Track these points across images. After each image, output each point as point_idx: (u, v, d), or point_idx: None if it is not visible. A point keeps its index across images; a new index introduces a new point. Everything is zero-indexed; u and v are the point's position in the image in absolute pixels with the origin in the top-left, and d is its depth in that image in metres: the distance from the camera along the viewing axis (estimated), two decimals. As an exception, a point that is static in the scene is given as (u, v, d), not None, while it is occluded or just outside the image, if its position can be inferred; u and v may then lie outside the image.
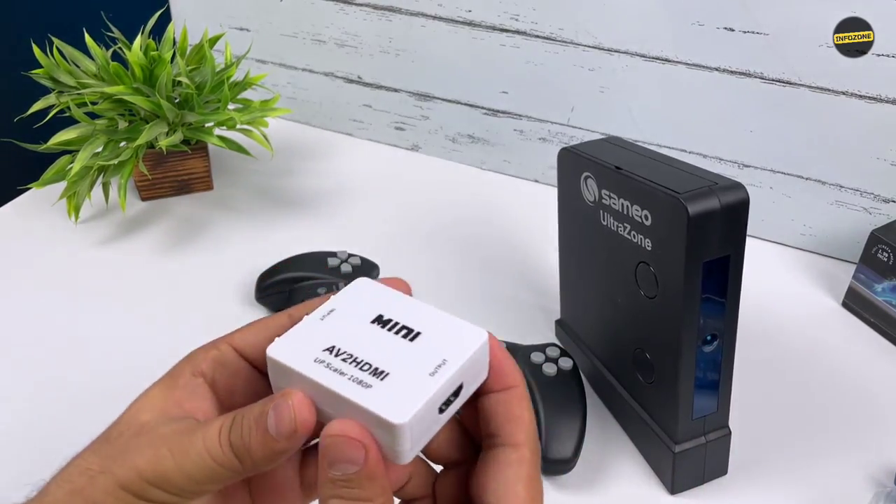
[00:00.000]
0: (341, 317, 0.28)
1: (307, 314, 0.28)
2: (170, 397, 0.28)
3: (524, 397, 0.28)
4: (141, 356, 0.61)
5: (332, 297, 0.29)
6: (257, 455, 0.26)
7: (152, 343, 0.62)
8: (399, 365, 0.26)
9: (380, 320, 0.28)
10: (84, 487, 0.26)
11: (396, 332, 0.27)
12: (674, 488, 0.51)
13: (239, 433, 0.26)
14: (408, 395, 0.25)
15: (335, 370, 0.26)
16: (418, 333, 0.27)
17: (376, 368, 0.26)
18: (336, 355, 0.26)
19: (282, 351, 0.27)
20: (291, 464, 0.31)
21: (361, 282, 0.30)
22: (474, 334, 0.27)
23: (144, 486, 0.26)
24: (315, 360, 0.26)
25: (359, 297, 0.29)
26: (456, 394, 0.26)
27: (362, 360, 0.26)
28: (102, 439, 0.28)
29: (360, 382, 0.25)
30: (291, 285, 0.63)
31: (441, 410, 0.26)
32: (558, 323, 0.63)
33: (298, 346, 0.27)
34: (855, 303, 0.67)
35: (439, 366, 0.26)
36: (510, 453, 0.27)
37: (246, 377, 0.30)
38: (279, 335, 0.28)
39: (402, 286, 0.30)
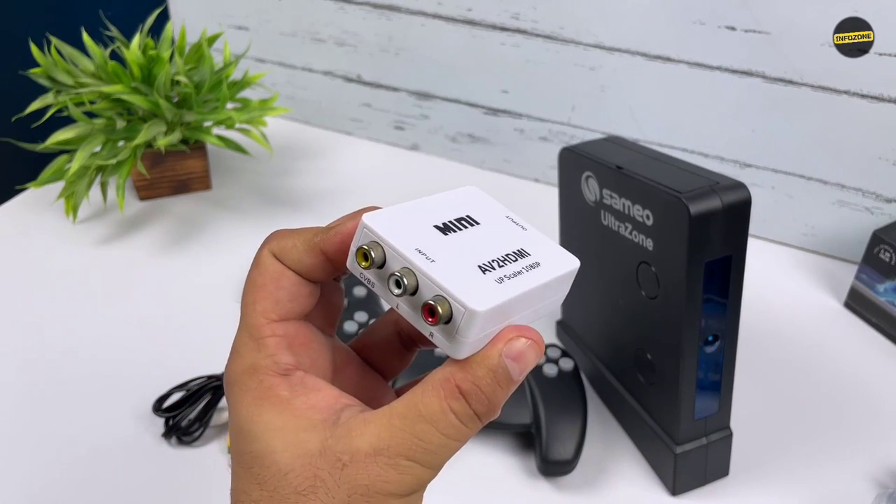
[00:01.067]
0: (431, 250, 0.26)
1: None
2: (297, 413, 0.26)
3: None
4: (140, 356, 0.61)
5: (388, 242, 0.26)
6: (501, 404, 0.25)
7: (151, 343, 0.62)
8: (510, 239, 0.27)
9: (443, 229, 0.27)
10: None
11: (465, 227, 0.28)
12: (675, 489, 0.51)
13: (485, 402, 0.25)
14: (552, 247, 0.27)
15: (514, 274, 0.26)
16: (469, 216, 0.29)
17: (515, 251, 0.27)
18: (493, 269, 0.26)
19: (479, 299, 0.24)
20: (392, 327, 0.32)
21: (372, 218, 0.27)
22: (470, 190, 0.30)
23: (406, 500, 0.25)
24: (498, 282, 0.25)
25: (400, 229, 0.27)
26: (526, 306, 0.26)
27: (504, 255, 0.26)
28: (295, 496, 0.25)
29: (532, 267, 0.26)
30: (290, 285, 0.63)
31: (506, 315, 0.25)
32: (559, 324, 0.63)
33: (475, 287, 0.25)
34: (857, 303, 0.67)
35: (513, 220, 0.28)
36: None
37: (318, 339, 0.29)
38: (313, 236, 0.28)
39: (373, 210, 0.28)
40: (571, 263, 0.27)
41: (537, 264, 0.26)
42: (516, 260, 0.26)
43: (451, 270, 0.25)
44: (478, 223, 0.28)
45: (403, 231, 0.26)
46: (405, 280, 0.24)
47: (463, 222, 0.28)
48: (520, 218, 0.30)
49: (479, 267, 0.26)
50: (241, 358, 0.28)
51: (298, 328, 0.28)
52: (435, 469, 0.25)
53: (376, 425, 0.25)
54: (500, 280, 0.25)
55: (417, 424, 0.24)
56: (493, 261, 0.26)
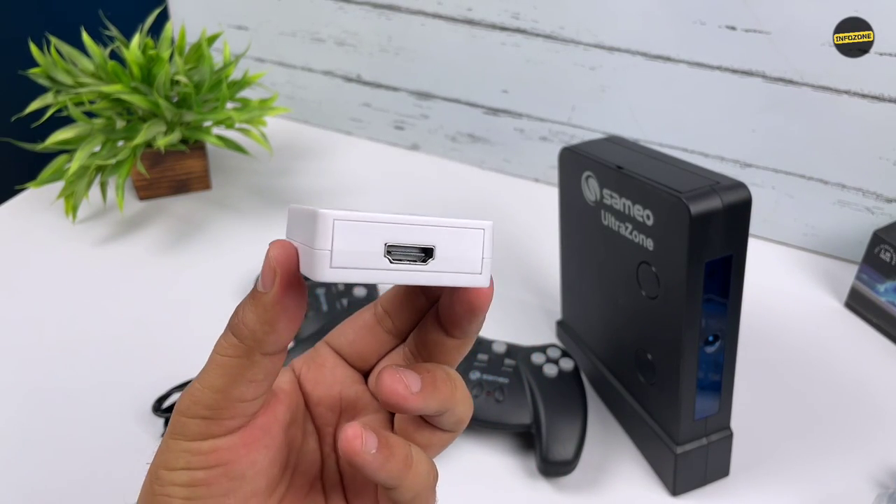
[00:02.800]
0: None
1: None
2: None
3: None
4: (140, 356, 0.61)
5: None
6: (251, 321, 0.25)
7: (151, 343, 0.62)
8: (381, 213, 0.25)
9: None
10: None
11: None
12: (675, 490, 0.51)
13: (236, 315, 0.26)
14: (355, 213, 0.23)
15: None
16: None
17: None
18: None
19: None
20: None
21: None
22: (475, 220, 0.25)
23: (181, 421, 0.26)
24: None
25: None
26: (425, 257, 0.24)
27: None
28: None
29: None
30: (290, 285, 0.63)
31: (390, 255, 0.24)
32: (559, 324, 0.63)
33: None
34: (857, 303, 0.67)
35: (412, 215, 0.24)
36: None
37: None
38: (366, 326, 0.29)
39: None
40: (474, 223, 0.24)
41: (422, 216, 0.24)
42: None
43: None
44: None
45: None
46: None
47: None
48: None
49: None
50: None
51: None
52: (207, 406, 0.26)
53: None
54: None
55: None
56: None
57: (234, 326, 0.26)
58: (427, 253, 0.24)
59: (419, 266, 0.24)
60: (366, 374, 0.30)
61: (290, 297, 0.25)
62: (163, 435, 0.53)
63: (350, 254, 0.23)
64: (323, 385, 0.30)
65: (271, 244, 0.25)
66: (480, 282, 0.25)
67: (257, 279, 0.25)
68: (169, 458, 0.26)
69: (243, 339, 0.25)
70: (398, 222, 0.24)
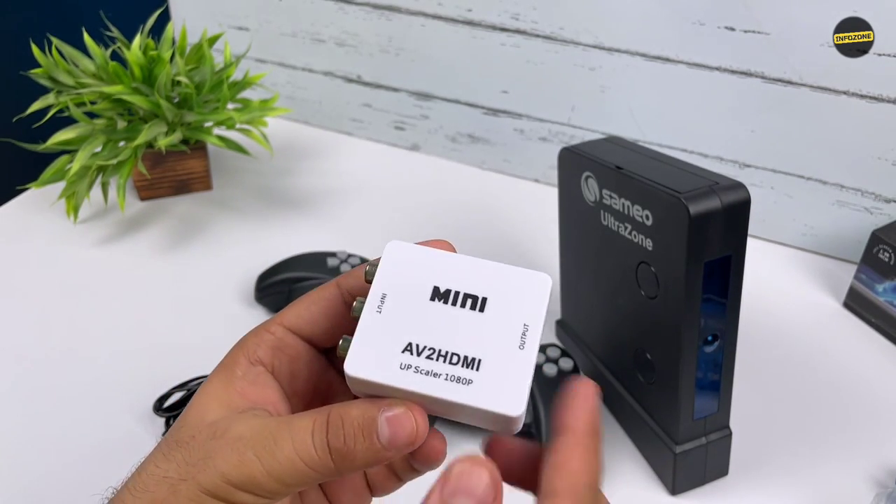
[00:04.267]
0: (398, 302, 0.26)
1: (360, 302, 0.27)
2: (232, 390, 0.28)
3: (578, 444, 0.25)
4: (140, 356, 0.61)
5: (376, 275, 0.27)
6: (360, 462, 0.25)
7: (151, 343, 0.62)
8: (485, 346, 0.25)
9: (438, 294, 0.26)
10: (166, 498, 0.25)
11: (463, 306, 0.25)
12: (674, 489, 0.51)
13: (341, 439, 0.25)
14: (512, 380, 0.24)
15: (426, 372, 0.24)
16: (485, 300, 0.25)
17: (465, 357, 0.24)
18: (418, 354, 0.25)
19: (361, 365, 0.25)
20: None
21: (395, 247, 0.27)
22: (537, 282, 0.26)
23: (231, 491, 0.25)
24: (401, 367, 0.25)
25: (402, 270, 0.27)
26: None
27: (447, 352, 0.25)
28: (172, 443, 0.27)
29: (458, 380, 0.24)
30: (291, 285, 0.63)
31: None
32: (559, 323, 0.63)
33: (375, 354, 0.25)
34: (856, 303, 0.67)
35: (524, 334, 0.25)
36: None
37: (306, 359, 0.29)
38: (330, 308, 0.28)
39: (443, 246, 0.28)
40: (506, 406, 0.23)
41: (468, 382, 0.24)
42: (453, 363, 0.24)
43: (378, 328, 0.25)
44: (479, 308, 0.26)
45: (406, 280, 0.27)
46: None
47: (467, 299, 0.26)
48: (536, 332, 0.26)
49: (408, 343, 0.25)
50: (247, 334, 0.30)
51: (298, 346, 0.29)
52: (273, 478, 0.25)
53: (259, 420, 0.26)
54: (407, 367, 0.25)
55: (281, 429, 0.25)
56: (427, 347, 0.25)
57: (334, 447, 0.25)
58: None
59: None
60: (326, 351, 0.31)
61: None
62: (163, 434, 0.53)
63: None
64: (300, 379, 0.30)
65: (409, 415, 0.25)
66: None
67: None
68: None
69: (332, 454, 0.25)
70: (535, 358, 0.25)
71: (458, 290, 0.26)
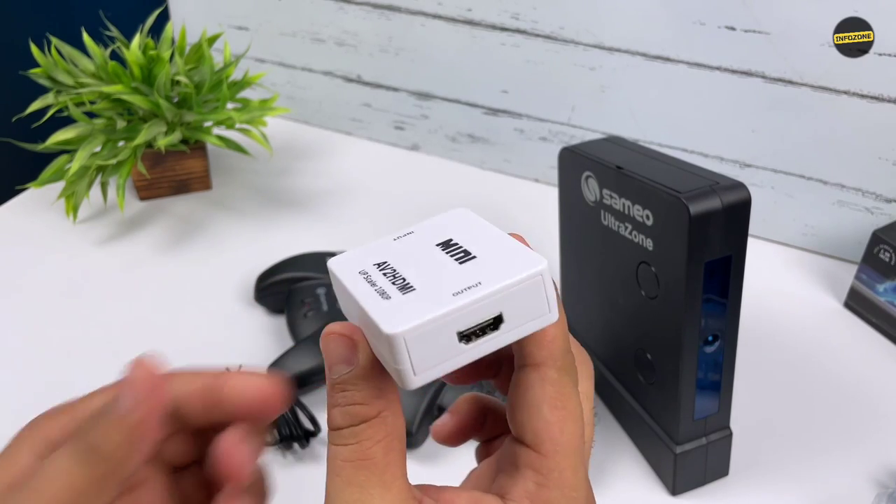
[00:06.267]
0: (414, 239, 0.27)
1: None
2: None
3: (556, 321, 0.25)
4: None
5: (426, 220, 0.27)
6: (110, 451, 0.24)
7: (151, 343, 0.62)
8: (431, 283, 0.24)
9: (447, 244, 0.26)
10: None
11: (453, 255, 0.25)
12: (675, 489, 0.51)
13: (88, 444, 0.24)
14: (417, 310, 0.23)
15: (370, 282, 0.24)
16: (474, 257, 0.25)
17: (406, 283, 0.24)
18: (381, 269, 0.25)
19: (340, 263, 0.26)
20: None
21: (459, 211, 0.28)
22: (529, 261, 0.24)
23: None
24: (360, 272, 0.25)
25: (444, 223, 0.27)
26: (494, 326, 0.24)
27: (399, 275, 0.24)
28: None
29: (383, 294, 0.24)
30: (290, 285, 0.63)
31: (465, 339, 0.23)
32: (559, 323, 0.63)
33: (357, 260, 0.26)
34: (857, 303, 0.67)
35: (469, 287, 0.23)
36: (530, 374, 0.25)
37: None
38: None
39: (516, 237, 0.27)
40: (387, 324, 0.22)
41: (388, 297, 0.24)
42: (394, 283, 0.24)
43: (380, 249, 0.26)
44: (462, 261, 0.25)
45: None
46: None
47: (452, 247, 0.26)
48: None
49: (383, 261, 0.26)
50: None
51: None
52: None
53: None
54: (363, 273, 0.25)
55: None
56: (390, 267, 0.25)
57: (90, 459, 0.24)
58: (497, 320, 0.24)
59: (493, 334, 0.24)
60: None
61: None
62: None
63: (428, 357, 0.23)
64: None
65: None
66: (552, 318, 0.25)
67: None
68: None
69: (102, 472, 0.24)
70: (462, 308, 0.23)
71: (462, 244, 0.26)
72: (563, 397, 0.25)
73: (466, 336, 0.23)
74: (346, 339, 0.24)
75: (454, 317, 0.23)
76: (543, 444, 0.24)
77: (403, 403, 0.53)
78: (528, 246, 0.25)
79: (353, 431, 0.24)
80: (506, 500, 0.25)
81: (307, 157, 0.87)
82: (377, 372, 0.24)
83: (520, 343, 0.25)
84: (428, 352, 0.23)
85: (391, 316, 0.23)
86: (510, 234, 0.26)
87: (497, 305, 0.23)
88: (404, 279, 0.24)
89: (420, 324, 0.22)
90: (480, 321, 0.23)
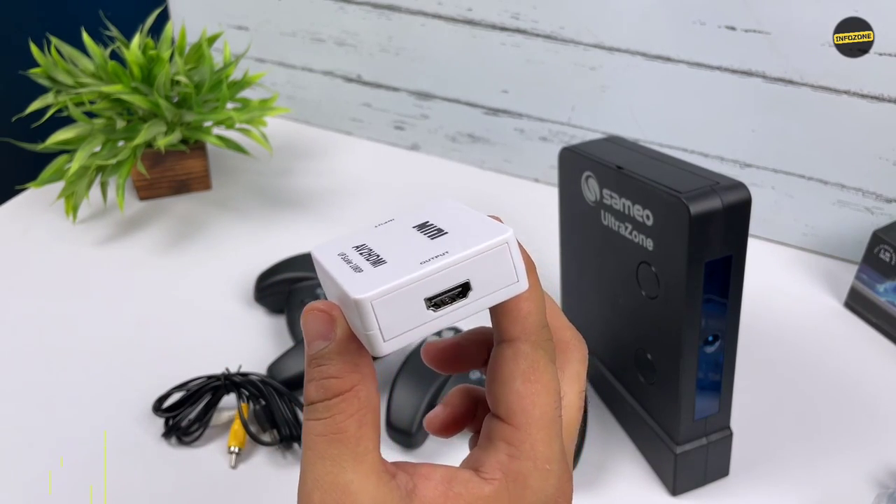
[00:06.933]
0: (394, 224, 0.27)
1: None
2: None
3: (530, 297, 0.25)
4: (140, 356, 0.61)
5: (417, 207, 0.28)
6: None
7: (151, 343, 0.62)
8: (401, 255, 0.25)
9: (423, 226, 0.27)
10: None
11: (427, 234, 0.26)
12: (675, 489, 0.51)
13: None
14: (385, 277, 0.23)
15: (346, 261, 0.25)
16: (445, 233, 0.25)
17: (378, 257, 0.25)
18: (358, 250, 0.26)
19: (322, 249, 0.27)
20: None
21: (446, 200, 0.28)
22: (495, 230, 0.24)
23: None
24: (339, 255, 0.26)
25: (426, 209, 0.28)
26: (463, 293, 0.24)
27: (374, 253, 0.25)
28: None
29: (356, 269, 0.25)
30: (290, 285, 0.63)
31: (433, 306, 0.24)
32: (559, 323, 0.63)
33: (338, 245, 0.27)
34: (857, 303, 0.67)
35: (435, 256, 0.24)
36: (505, 349, 0.26)
37: None
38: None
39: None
40: (356, 290, 0.23)
41: (360, 270, 0.24)
42: (367, 259, 0.25)
43: (363, 235, 0.27)
44: (433, 236, 0.26)
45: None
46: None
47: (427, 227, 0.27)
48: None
49: (362, 244, 0.26)
50: None
51: None
52: None
53: None
54: (342, 255, 0.26)
55: None
56: (367, 247, 0.26)
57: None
58: (465, 287, 0.24)
59: (462, 301, 0.24)
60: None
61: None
62: (163, 435, 0.53)
63: (397, 323, 0.23)
64: None
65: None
66: (521, 287, 0.25)
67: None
68: None
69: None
70: (429, 275, 0.23)
71: (436, 224, 0.26)
72: (537, 371, 0.25)
73: (435, 303, 0.24)
74: (324, 315, 0.24)
75: (421, 283, 0.23)
76: (515, 416, 0.25)
77: (404, 403, 0.53)
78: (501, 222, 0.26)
79: (327, 406, 0.24)
80: (479, 472, 0.25)
81: (307, 157, 0.87)
82: (353, 347, 0.24)
83: (496, 319, 0.26)
84: (396, 317, 0.23)
85: (361, 284, 0.23)
86: (489, 215, 0.27)
87: (463, 272, 0.24)
88: (378, 256, 0.25)
89: (387, 289, 0.23)
90: (447, 287, 0.24)
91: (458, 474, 0.25)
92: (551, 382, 0.25)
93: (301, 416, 0.53)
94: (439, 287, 0.24)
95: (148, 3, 0.86)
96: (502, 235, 0.24)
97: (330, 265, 0.25)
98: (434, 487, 0.25)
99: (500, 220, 0.26)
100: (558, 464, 0.25)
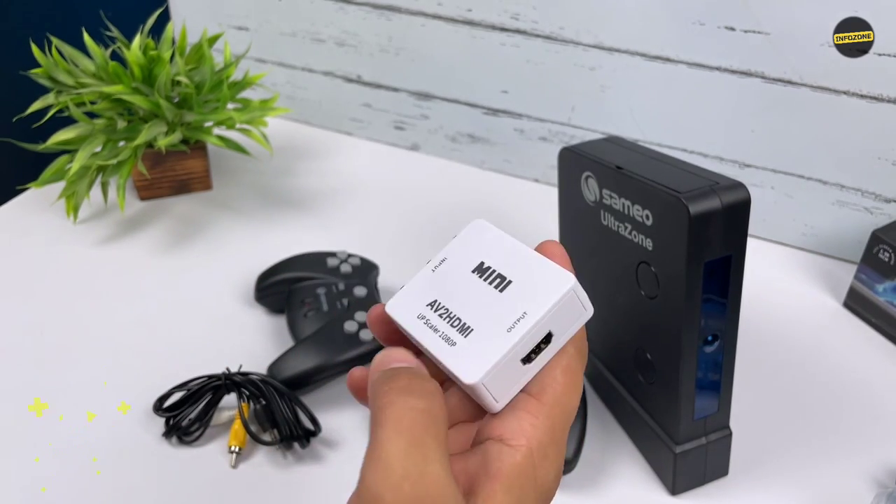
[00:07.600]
0: (449, 266, 0.30)
1: None
2: None
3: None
4: (140, 356, 0.61)
5: (451, 241, 0.31)
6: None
7: (151, 343, 0.62)
8: (484, 320, 0.27)
9: (480, 269, 0.29)
10: None
11: (491, 282, 0.28)
12: (674, 489, 0.51)
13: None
14: (483, 354, 0.26)
15: (431, 327, 0.28)
16: (509, 283, 0.28)
17: (464, 325, 0.27)
18: (435, 310, 0.29)
19: (396, 307, 0.30)
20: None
21: (477, 225, 0.31)
22: (559, 280, 0.28)
23: None
24: (418, 317, 0.29)
25: (469, 242, 0.30)
26: (546, 341, 0.27)
27: (454, 316, 0.28)
28: None
29: (447, 340, 0.27)
30: (290, 285, 0.63)
31: (527, 360, 0.27)
32: (558, 323, 0.63)
33: (409, 301, 0.29)
34: (856, 303, 0.67)
35: (518, 319, 0.27)
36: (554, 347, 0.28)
37: None
38: None
39: (554, 249, 0.30)
40: (463, 373, 0.27)
41: (453, 343, 0.27)
42: (453, 326, 0.28)
43: (425, 283, 0.30)
44: (501, 287, 0.29)
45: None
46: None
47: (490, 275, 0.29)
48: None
49: (434, 300, 0.29)
50: None
51: None
52: None
53: None
54: (421, 317, 0.29)
55: None
56: (443, 307, 0.29)
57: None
58: (548, 336, 0.28)
59: (548, 347, 0.28)
60: None
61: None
62: (163, 434, 0.53)
63: (504, 386, 0.27)
64: None
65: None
66: (589, 314, 0.29)
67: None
68: None
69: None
70: (518, 341, 0.27)
71: (495, 268, 0.29)
72: (574, 372, 0.29)
73: (527, 358, 0.27)
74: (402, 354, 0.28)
75: (515, 350, 0.27)
76: (546, 395, 0.28)
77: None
78: (553, 250, 0.30)
79: (423, 386, 0.27)
80: (505, 440, 0.27)
81: (307, 158, 0.88)
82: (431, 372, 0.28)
83: None
84: (502, 382, 0.27)
85: (465, 365, 0.26)
86: (546, 242, 0.30)
87: (545, 327, 0.27)
88: (460, 319, 0.28)
89: (491, 367, 0.26)
90: (535, 344, 0.27)
91: (489, 449, 0.27)
92: (580, 386, 0.29)
93: (301, 415, 0.53)
94: (529, 347, 0.27)
95: (149, 4, 0.86)
96: (568, 285, 0.28)
97: (416, 332, 0.28)
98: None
99: (555, 247, 0.30)
100: (562, 452, 0.28)
